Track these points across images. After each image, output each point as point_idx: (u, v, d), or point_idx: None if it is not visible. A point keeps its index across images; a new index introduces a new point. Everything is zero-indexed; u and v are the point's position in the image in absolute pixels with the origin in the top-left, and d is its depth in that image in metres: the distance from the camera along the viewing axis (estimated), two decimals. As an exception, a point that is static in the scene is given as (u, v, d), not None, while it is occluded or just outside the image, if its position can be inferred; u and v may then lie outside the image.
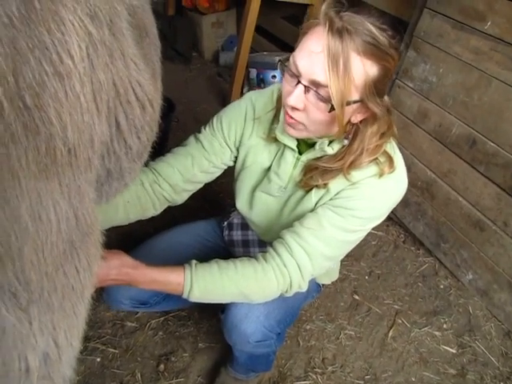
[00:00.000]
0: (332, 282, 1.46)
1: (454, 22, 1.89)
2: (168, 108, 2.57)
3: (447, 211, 2.10)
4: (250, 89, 3.14)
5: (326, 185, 1.04)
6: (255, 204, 1.21)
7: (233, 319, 1.17)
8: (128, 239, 1.47)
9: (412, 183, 2.19)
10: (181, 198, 1.26)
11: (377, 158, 1.00)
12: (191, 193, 1.28)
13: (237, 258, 1.09)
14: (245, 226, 1.37)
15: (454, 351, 1.80)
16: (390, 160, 1.00)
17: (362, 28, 0.83)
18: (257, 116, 1.15)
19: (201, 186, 1.28)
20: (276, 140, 1.10)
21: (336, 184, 1.03)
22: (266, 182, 1.16)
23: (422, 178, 2.18)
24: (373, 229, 2.29)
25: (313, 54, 0.85)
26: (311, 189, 1.07)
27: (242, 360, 1.37)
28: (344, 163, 0.99)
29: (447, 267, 2.16)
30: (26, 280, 0.52)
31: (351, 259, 2.12)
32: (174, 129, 2.73)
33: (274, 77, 3.11)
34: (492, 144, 1.83)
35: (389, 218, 2.38)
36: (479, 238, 1.97)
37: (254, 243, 1.37)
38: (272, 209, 1.19)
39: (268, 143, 1.15)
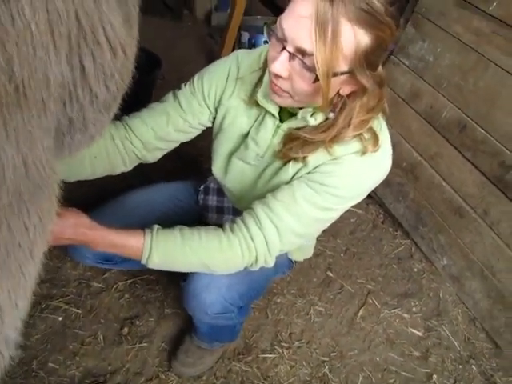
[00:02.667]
0: (306, 257, 1.42)
1: (458, 0, 1.82)
2: (154, 64, 2.46)
3: (429, 195, 2.08)
4: (241, 52, 3.03)
5: (304, 158, 0.97)
6: (230, 170, 1.14)
7: (193, 288, 1.13)
8: (100, 197, 1.40)
9: (396, 163, 2.14)
10: (153, 157, 1.19)
11: (361, 134, 0.93)
12: (164, 152, 1.21)
13: (209, 223, 1.03)
14: (221, 192, 1.31)
15: (420, 334, 1.81)
16: (375, 137, 0.93)
17: None
18: (240, 75, 1.07)
19: (176, 145, 1.20)
20: (257, 105, 1.03)
21: (315, 158, 0.96)
22: (243, 149, 1.09)
23: (407, 158, 2.14)
24: (352, 206, 2.25)
25: (300, 18, 0.77)
26: (289, 161, 1.01)
27: (204, 330, 1.34)
28: (327, 136, 0.92)
29: (423, 251, 2.16)
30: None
31: (328, 235, 2.09)
32: (159, 87, 2.62)
33: (266, 42, 3.00)
34: (482, 131, 1.79)
35: (369, 197, 2.35)
36: (458, 224, 1.96)
37: (228, 210, 1.31)
38: (247, 177, 1.12)
39: (249, 107, 1.07)
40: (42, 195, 0.55)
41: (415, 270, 2.08)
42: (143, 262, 0.96)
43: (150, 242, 0.95)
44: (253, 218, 0.98)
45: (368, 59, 0.81)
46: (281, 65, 0.82)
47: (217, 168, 1.18)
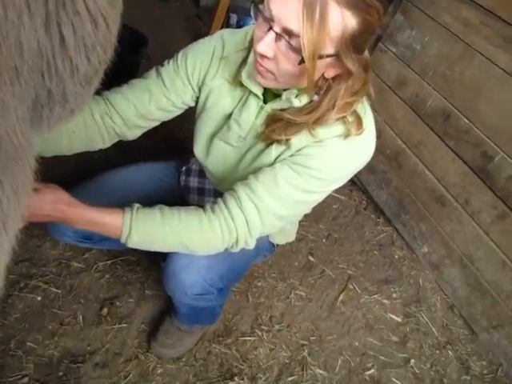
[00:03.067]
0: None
1: (448, -12, 1.82)
2: (140, 43, 2.41)
3: (412, 183, 2.09)
4: (229, 35, 3.00)
5: (288, 140, 0.96)
6: (212, 151, 1.13)
7: (173, 268, 1.12)
8: (81, 176, 1.38)
9: (380, 150, 2.16)
10: (132, 134, 1.17)
11: (345, 117, 0.92)
12: (144, 130, 1.18)
13: (190, 205, 1.02)
14: (203, 173, 1.30)
15: (399, 320, 1.84)
16: (359, 121, 0.93)
17: None
18: (225, 55, 1.05)
19: (156, 123, 1.18)
20: (241, 85, 1.01)
21: (298, 140, 0.96)
22: (226, 130, 1.08)
23: (391, 146, 2.15)
24: (335, 192, 2.28)
25: None
26: (272, 143, 1.00)
27: (183, 311, 1.33)
28: (310, 118, 0.91)
29: (404, 238, 2.18)
30: None
31: (310, 220, 2.09)
32: (144, 67, 2.58)
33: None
34: (466, 121, 1.80)
35: (353, 183, 2.36)
36: (439, 212, 1.98)
37: (209, 192, 1.30)
38: (229, 159, 1.11)
39: (232, 88, 1.05)
40: (16, 167, 0.53)
41: (396, 256, 2.11)
42: (122, 240, 0.95)
43: (130, 221, 0.93)
44: (234, 198, 0.97)
45: (354, 42, 0.80)
46: (266, 45, 0.81)
47: (199, 149, 1.17)
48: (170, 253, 1.13)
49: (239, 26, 3.05)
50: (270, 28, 0.80)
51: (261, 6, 0.82)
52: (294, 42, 0.78)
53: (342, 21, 0.76)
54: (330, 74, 0.87)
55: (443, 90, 1.89)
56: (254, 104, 1.01)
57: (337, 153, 0.94)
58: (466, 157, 1.83)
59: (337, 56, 0.82)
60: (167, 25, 3.26)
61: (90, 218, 0.92)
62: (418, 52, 1.98)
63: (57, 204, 0.90)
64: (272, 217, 0.98)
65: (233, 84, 1.05)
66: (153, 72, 1.11)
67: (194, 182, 1.32)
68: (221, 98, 1.07)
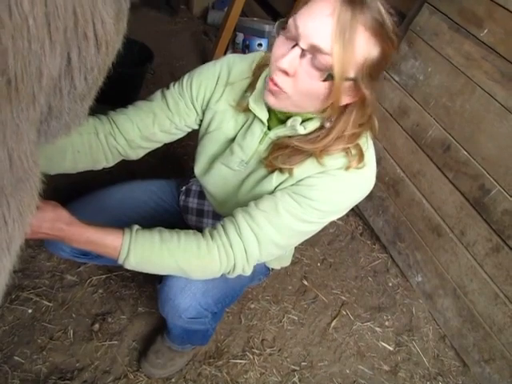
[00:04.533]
0: (283, 265, 1.42)
1: (452, 23, 1.85)
2: (146, 57, 2.44)
3: (409, 211, 2.10)
4: (234, 52, 3.03)
5: (291, 170, 0.97)
6: (213, 174, 1.13)
7: (168, 291, 1.12)
8: (82, 189, 1.38)
9: (379, 178, 2.17)
10: (136, 154, 1.17)
11: (348, 149, 0.93)
12: (147, 150, 1.19)
13: (189, 225, 1.02)
14: (202, 194, 1.30)
15: (391, 348, 1.83)
16: (361, 155, 0.94)
17: (373, 4, 0.77)
18: (231, 81, 1.06)
19: (159, 145, 1.19)
20: (245, 110, 1.02)
21: (301, 170, 0.96)
22: (228, 154, 1.08)
23: (390, 173, 2.17)
24: (333, 217, 2.26)
25: (319, 16, 0.77)
26: (274, 170, 1.00)
27: (176, 332, 1.33)
28: (318, 146, 0.92)
29: (399, 266, 2.18)
30: None
31: (306, 244, 2.10)
32: (148, 81, 2.60)
33: (260, 45, 3.01)
34: (465, 153, 1.82)
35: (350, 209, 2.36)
36: (435, 242, 1.99)
37: (208, 214, 1.30)
38: (229, 183, 1.12)
39: (236, 113, 1.06)
40: (23, 189, 0.54)
41: (390, 284, 2.11)
42: (120, 262, 0.95)
43: (129, 243, 0.93)
44: (234, 225, 0.97)
45: (372, 71, 0.82)
46: (290, 60, 0.80)
47: (199, 171, 1.17)
48: (166, 275, 1.13)
49: (245, 45, 3.08)
50: (296, 45, 0.80)
51: (285, 26, 0.83)
52: (319, 60, 0.79)
53: (366, 46, 0.79)
54: (344, 100, 0.87)
55: (444, 121, 1.91)
56: (258, 129, 1.01)
57: (338, 185, 0.95)
58: (463, 188, 1.85)
59: (355, 81, 0.83)
60: (174, 40, 3.30)
61: (88, 237, 0.92)
62: (420, 82, 2.00)
63: (56, 222, 0.89)
64: (270, 245, 0.98)
65: (236, 109, 1.06)
66: (158, 94, 1.12)
67: (193, 202, 1.32)
68: (224, 122, 1.08)
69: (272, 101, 0.89)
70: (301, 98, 0.87)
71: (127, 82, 2.25)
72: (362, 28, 0.76)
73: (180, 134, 1.18)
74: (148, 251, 0.94)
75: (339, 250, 2.18)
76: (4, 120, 0.44)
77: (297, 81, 0.83)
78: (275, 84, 0.85)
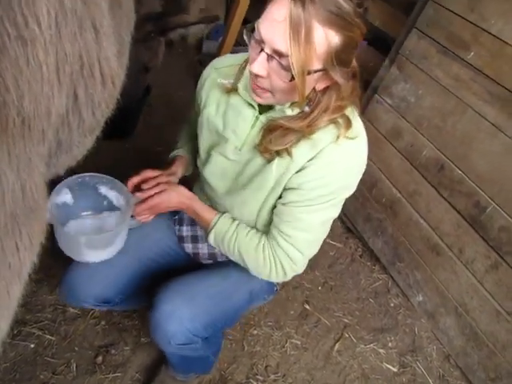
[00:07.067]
0: (284, 290, 1.43)
1: (440, 47, 1.90)
2: (144, 91, 2.47)
3: (407, 231, 2.12)
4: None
5: (289, 152, 1.01)
6: (211, 165, 1.19)
7: (158, 317, 1.13)
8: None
9: (376, 199, 2.19)
10: None
11: (336, 119, 0.99)
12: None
13: (187, 253, 1.09)
14: (193, 220, 1.32)
15: (395, 370, 1.82)
16: (348, 121, 0.99)
17: None
18: (217, 66, 1.19)
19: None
20: (230, 91, 1.11)
21: (299, 153, 1.01)
22: (223, 142, 1.14)
23: (386, 195, 2.19)
24: (331, 239, 2.27)
25: (275, 22, 0.83)
26: (273, 159, 1.04)
27: (174, 361, 1.33)
28: (304, 123, 0.98)
29: (399, 286, 2.19)
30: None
31: (306, 267, 2.09)
32: (145, 113, 2.64)
33: (254, 73, 3.06)
34: (459, 171, 1.85)
35: (348, 231, 2.38)
36: (434, 261, 2.00)
37: (202, 238, 1.31)
38: (228, 174, 1.16)
39: (220, 95, 1.16)
40: (33, 218, 0.57)
41: (391, 305, 2.11)
42: (206, 234, 1.20)
43: (216, 221, 1.15)
44: (273, 240, 1.10)
45: (339, 57, 0.88)
46: (259, 65, 0.89)
47: (200, 162, 1.25)
48: (155, 301, 1.15)
49: (239, 73, 3.14)
50: (262, 49, 0.88)
51: (253, 30, 0.91)
52: (284, 62, 0.86)
53: (325, 39, 0.84)
54: (320, 86, 0.95)
55: (437, 142, 1.94)
56: (249, 114, 1.08)
57: (334, 158, 1.00)
58: (459, 207, 1.87)
59: (324, 70, 0.89)
60: (169, 70, 3.36)
61: (196, 209, 1.18)
62: (412, 104, 2.05)
63: (181, 198, 1.16)
64: (307, 244, 1.10)
65: (223, 88, 1.14)
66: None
67: (187, 231, 1.34)
68: (208, 101, 1.18)
69: (258, 99, 1.00)
70: (282, 95, 0.96)
71: (125, 116, 2.27)
72: (316, 24, 0.82)
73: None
74: (224, 232, 1.14)
75: (340, 272, 2.19)
76: (18, 154, 0.48)
77: (271, 81, 0.92)
78: (256, 84, 0.95)
